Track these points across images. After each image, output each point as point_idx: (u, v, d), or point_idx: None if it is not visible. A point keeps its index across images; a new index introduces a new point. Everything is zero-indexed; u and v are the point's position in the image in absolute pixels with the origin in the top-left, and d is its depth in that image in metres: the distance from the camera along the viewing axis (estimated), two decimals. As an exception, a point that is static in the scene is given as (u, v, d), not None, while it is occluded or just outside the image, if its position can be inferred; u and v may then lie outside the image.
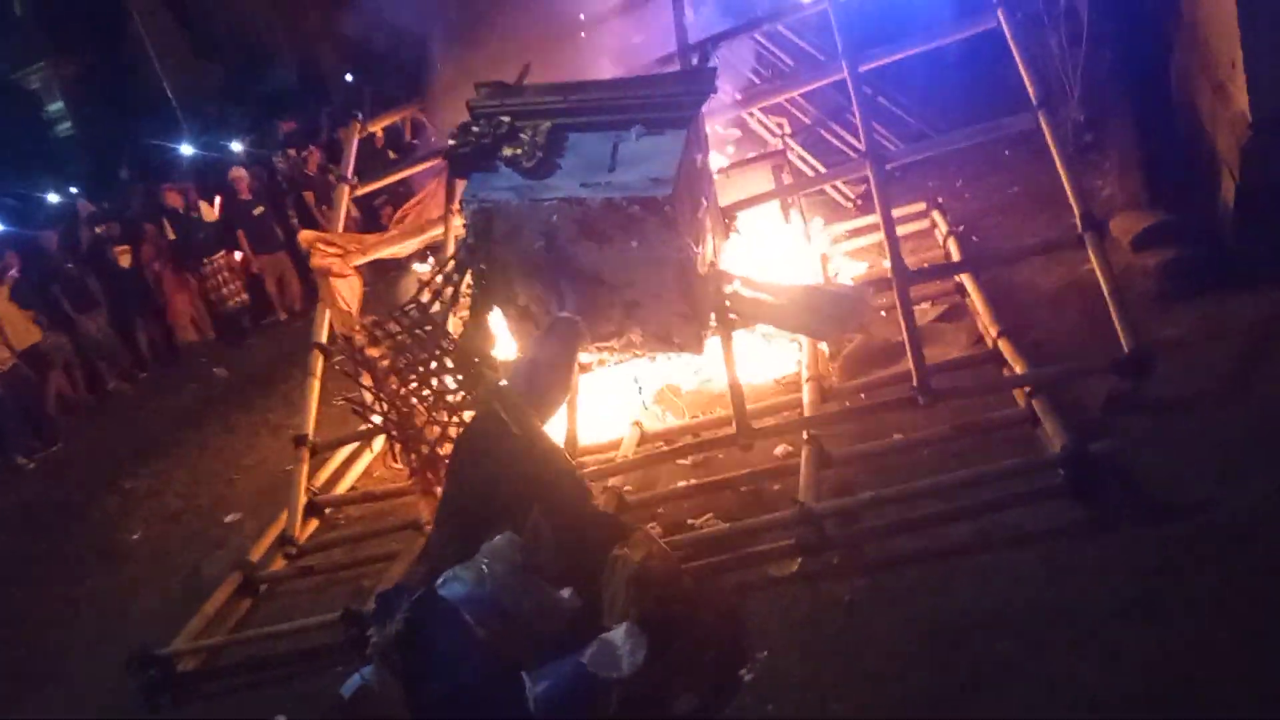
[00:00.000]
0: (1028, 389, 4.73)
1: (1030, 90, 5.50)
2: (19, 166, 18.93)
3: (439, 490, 4.70)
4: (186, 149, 17.39)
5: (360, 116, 7.79)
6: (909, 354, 5.00)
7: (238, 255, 11.17)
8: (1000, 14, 5.71)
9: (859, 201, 8.22)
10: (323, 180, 11.13)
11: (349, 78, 15.63)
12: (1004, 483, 4.21)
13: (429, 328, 4.72)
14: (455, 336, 4.80)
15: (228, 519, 6.84)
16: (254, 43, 19.09)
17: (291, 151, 12.44)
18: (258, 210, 11.04)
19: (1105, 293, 4.84)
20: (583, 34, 7.88)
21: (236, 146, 15.33)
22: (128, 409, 10.43)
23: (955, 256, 6.60)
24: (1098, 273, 4.93)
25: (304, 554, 5.80)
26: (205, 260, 10.97)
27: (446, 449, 4.82)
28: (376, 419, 5.29)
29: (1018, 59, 5.61)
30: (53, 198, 17.01)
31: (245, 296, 11.27)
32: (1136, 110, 6.91)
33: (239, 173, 11.30)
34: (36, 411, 9.87)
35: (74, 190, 16.59)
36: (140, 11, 20.44)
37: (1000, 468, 4.27)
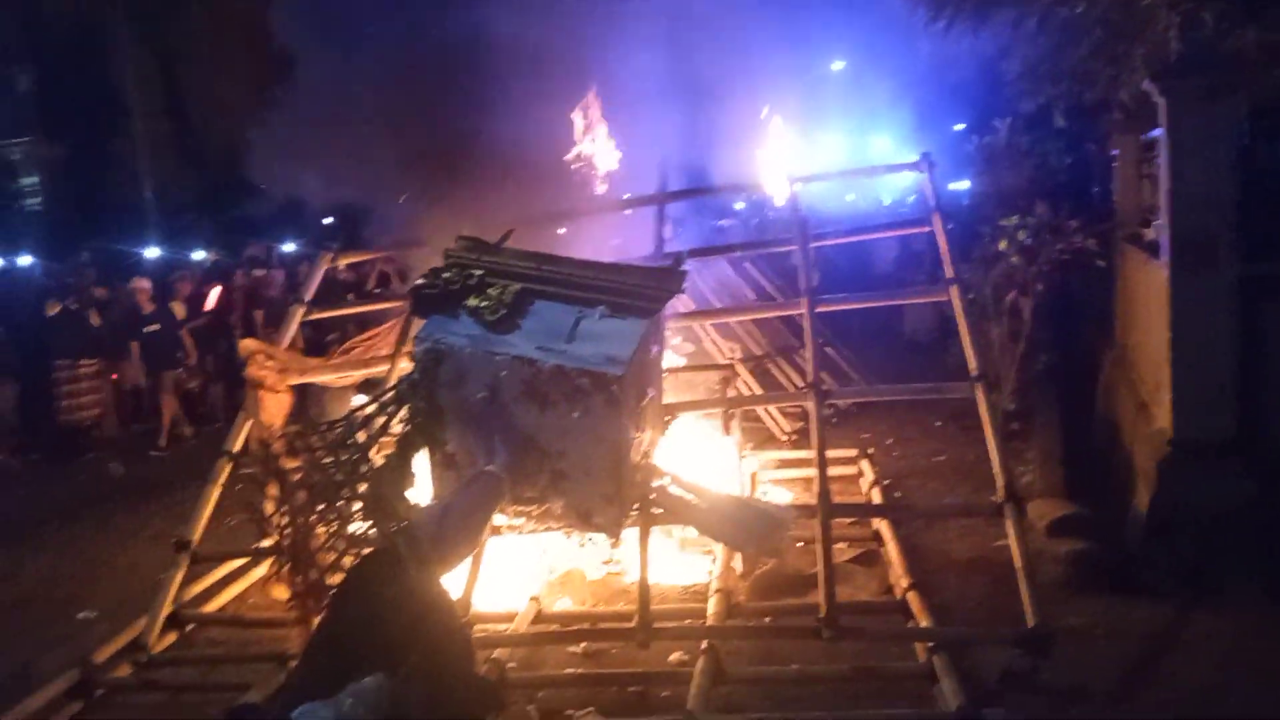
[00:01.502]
0: (929, 644, 4.72)
1: (971, 363, 5.78)
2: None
3: (316, 620, 4.44)
4: (152, 251, 17.36)
5: (333, 249, 7.90)
6: (822, 586, 4.97)
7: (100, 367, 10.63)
8: (953, 290, 6.05)
9: (794, 436, 8.42)
10: (278, 303, 11.10)
11: (328, 220, 15.94)
12: (894, 732, 4.13)
13: (351, 451, 4.61)
14: (375, 466, 4.68)
15: (80, 615, 6.31)
16: (243, 167, 19.44)
17: (256, 271, 12.49)
18: (153, 327, 10.75)
19: (1017, 566, 4.91)
20: (564, 227, 8.20)
21: (199, 255, 15.35)
22: (8, 486, 9.81)
23: (878, 506, 6.72)
24: (1012, 545, 5.01)
25: (154, 665, 5.35)
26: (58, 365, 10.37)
27: (336, 579, 4.59)
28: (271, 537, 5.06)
29: (963, 332, 5.89)
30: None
31: (96, 411, 10.68)
32: (1062, 412, 7.31)
33: (141, 283, 11.06)
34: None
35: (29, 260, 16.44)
36: (143, 113, 20.84)
37: (892, 716, 4.18)
